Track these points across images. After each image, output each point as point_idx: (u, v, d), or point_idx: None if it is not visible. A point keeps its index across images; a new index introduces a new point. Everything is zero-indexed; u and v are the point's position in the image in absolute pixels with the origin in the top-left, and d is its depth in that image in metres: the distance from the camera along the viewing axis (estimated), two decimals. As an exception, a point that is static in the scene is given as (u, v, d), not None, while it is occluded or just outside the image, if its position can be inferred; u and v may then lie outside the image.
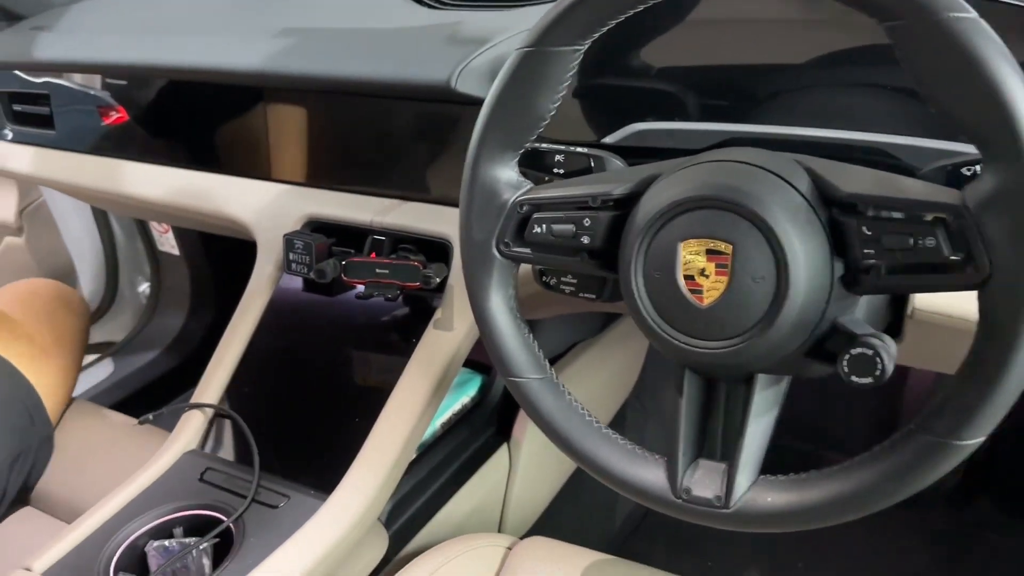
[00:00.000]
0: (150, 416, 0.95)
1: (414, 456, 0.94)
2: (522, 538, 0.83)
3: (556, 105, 0.62)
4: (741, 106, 0.77)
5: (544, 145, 0.75)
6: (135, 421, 1.05)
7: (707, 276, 0.56)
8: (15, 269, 1.71)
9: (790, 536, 1.23)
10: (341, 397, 0.88)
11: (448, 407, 0.99)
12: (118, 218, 1.69)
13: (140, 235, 1.69)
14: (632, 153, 0.78)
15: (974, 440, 0.50)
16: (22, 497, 1.04)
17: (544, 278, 0.74)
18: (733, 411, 0.60)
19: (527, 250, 0.64)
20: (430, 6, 1.00)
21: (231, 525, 0.76)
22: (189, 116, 1.07)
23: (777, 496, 0.56)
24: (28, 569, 0.73)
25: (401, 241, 0.88)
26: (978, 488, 1.29)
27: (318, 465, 0.81)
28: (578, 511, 1.16)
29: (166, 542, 0.76)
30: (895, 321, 0.68)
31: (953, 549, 1.23)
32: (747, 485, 0.57)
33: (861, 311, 0.61)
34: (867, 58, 0.72)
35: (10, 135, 1.25)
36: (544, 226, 0.63)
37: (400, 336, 0.89)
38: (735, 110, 0.77)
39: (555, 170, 0.75)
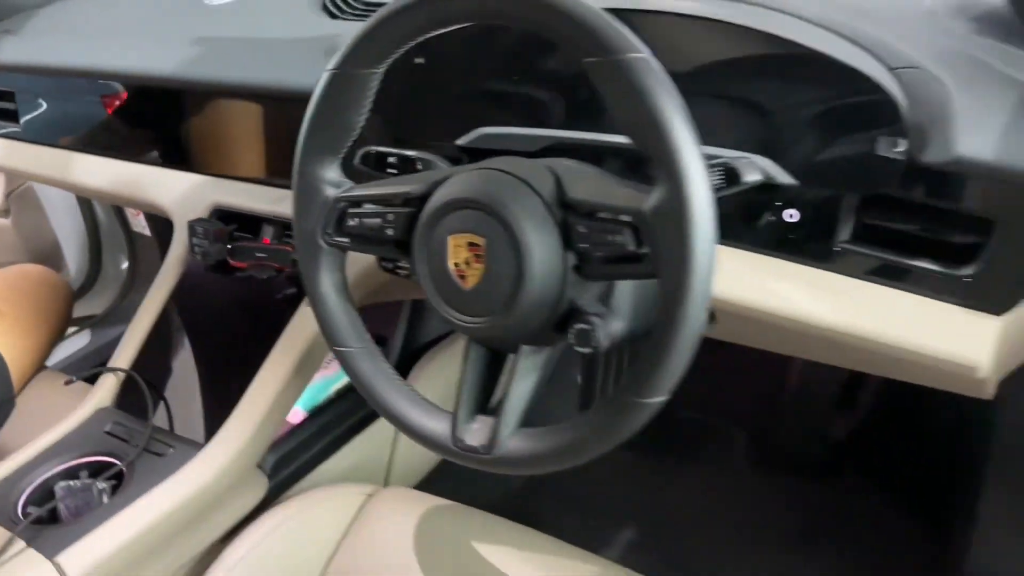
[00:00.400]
0: (74, 378, 1.09)
1: (304, 415, 1.07)
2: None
3: (364, 117, 0.73)
4: (574, 114, 0.87)
5: (381, 148, 0.86)
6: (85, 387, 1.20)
7: (469, 264, 0.67)
8: (2, 249, 1.86)
9: (669, 497, 1.35)
10: (232, 363, 1.01)
11: (343, 376, 1.12)
12: (100, 201, 1.83)
13: (116, 217, 1.83)
14: (480, 154, 0.88)
15: (656, 399, 0.60)
16: (-19, 450, 1.20)
17: (383, 263, 0.85)
18: (505, 376, 0.72)
19: (346, 239, 0.76)
20: (333, 16, 1.11)
21: (123, 468, 0.89)
22: (123, 113, 1.20)
23: (523, 445, 0.68)
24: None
25: (288, 227, 1.00)
26: (848, 462, 1.39)
27: (204, 420, 0.94)
28: (469, 471, 1.28)
29: (72, 482, 0.90)
30: None
31: (820, 515, 1.33)
32: (505, 436, 0.69)
33: (626, 300, 0.72)
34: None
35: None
36: (358, 220, 0.75)
37: (288, 312, 1.01)
38: (568, 117, 0.87)
39: (389, 170, 0.86)
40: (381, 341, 1.17)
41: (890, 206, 0.70)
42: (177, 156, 1.14)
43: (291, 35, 1.07)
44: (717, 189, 0.64)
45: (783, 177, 0.72)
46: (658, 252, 0.58)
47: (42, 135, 1.32)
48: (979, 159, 0.61)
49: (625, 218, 0.60)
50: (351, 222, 0.75)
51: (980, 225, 0.66)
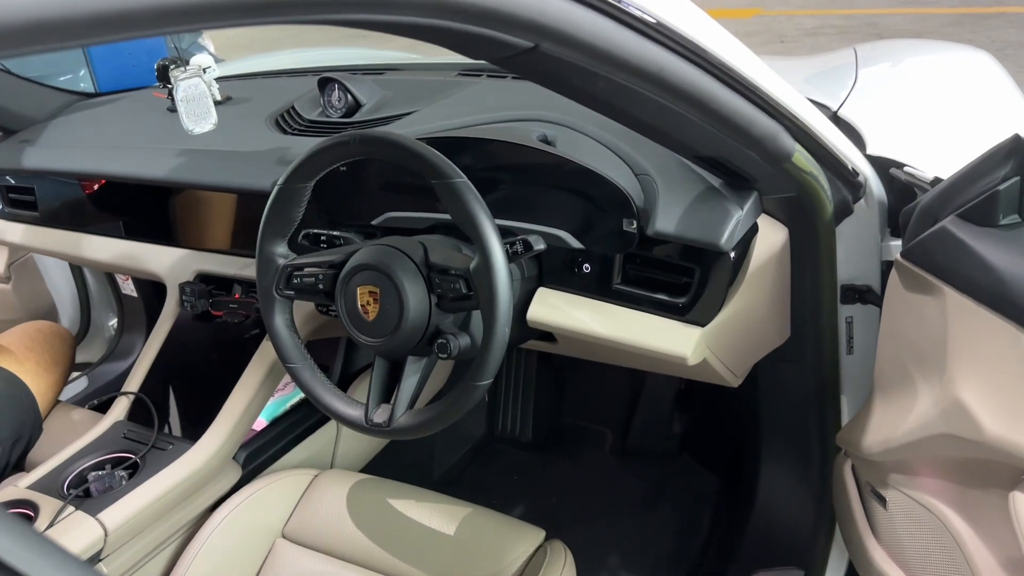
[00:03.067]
0: (95, 402, 1.45)
1: (266, 424, 1.44)
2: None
3: (301, 212, 1.12)
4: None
5: (316, 230, 1.24)
6: (94, 414, 1.55)
7: (370, 304, 1.06)
8: (2, 309, 2.22)
9: (553, 481, 1.74)
10: (215, 384, 1.38)
11: (295, 395, 1.50)
12: (91, 269, 2.19)
13: (108, 282, 2.20)
14: (388, 230, 1.27)
15: (484, 382, 1.00)
16: (20, 464, 1.54)
17: (319, 308, 1.24)
18: (399, 377, 1.10)
19: (292, 292, 1.14)
20: (284, 132, 1.49)
21: (138, 461, 1.26)
22: (125, 204, 1.58)
23: (410, 420, 1.06)
24: (15, 486, 1.23)
25: (252, 286, 1.38)
26: (682, 449, 1.81)
27: (194, 426, 1.31)
28: (400, 465, 1.66)
29: (100, 471, 1.25)
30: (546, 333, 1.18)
31: (659, 487, 1.74)
32: (398, 415, 1.07)
33: (476, 325, 1.11)
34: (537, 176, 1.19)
35: (5, 215, 1.77)
36: (299, 279, 1.13)
37: (253, 345, 1.39)
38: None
39: (322, 244, 1.24)
40: (324, 369, 1.55)
41: (639, 261, 1.11)
42: (168, 235, 1.53)
43: (252, 148, 1.45)
44: (517, 253, 1.03)
45: (574, 243, 1.12)
46: (478, 293, 0.98)
47: (57, 221, 1.69)
48: (666, 231, 1.02)
49: (460, 273, 1.00)
50: (295, 280, 1.14)
51: (687, 272, 1.07)
